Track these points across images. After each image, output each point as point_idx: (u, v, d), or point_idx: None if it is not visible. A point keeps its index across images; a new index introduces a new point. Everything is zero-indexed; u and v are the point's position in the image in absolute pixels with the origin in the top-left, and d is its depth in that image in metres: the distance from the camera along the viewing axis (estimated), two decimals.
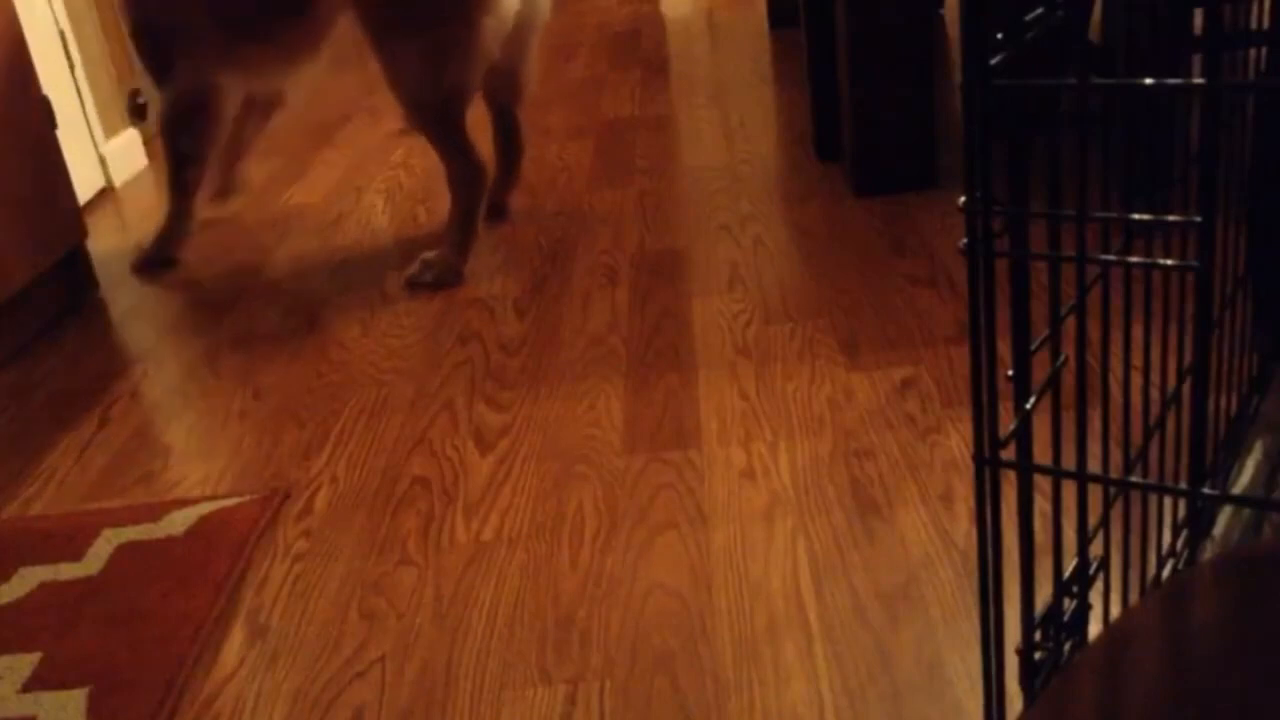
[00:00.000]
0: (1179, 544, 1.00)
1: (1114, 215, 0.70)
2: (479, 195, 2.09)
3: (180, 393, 1.83)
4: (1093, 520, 0.85)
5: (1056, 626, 0.81)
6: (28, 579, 1.39)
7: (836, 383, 1.59)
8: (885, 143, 2.19)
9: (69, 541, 1.45)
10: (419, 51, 2.01)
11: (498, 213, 2.36)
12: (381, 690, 1.16)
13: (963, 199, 0.69)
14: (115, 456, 1.67)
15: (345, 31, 2.28)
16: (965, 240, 0.70)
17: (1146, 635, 0.50)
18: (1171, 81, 0.68)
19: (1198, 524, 1.01)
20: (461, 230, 2.09)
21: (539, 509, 1.41)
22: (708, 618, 1.20)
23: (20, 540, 1.47)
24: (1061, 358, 0.74)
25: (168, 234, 2.36)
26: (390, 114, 3.28)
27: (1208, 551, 1.00)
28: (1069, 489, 1.13)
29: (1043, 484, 1.26)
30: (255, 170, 2.94)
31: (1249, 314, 1.15)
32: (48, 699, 1.19)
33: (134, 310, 2.19)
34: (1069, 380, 1.45)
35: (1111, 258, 0.73)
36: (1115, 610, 0.95)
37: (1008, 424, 0.72)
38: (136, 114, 3.16)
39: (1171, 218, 0.69)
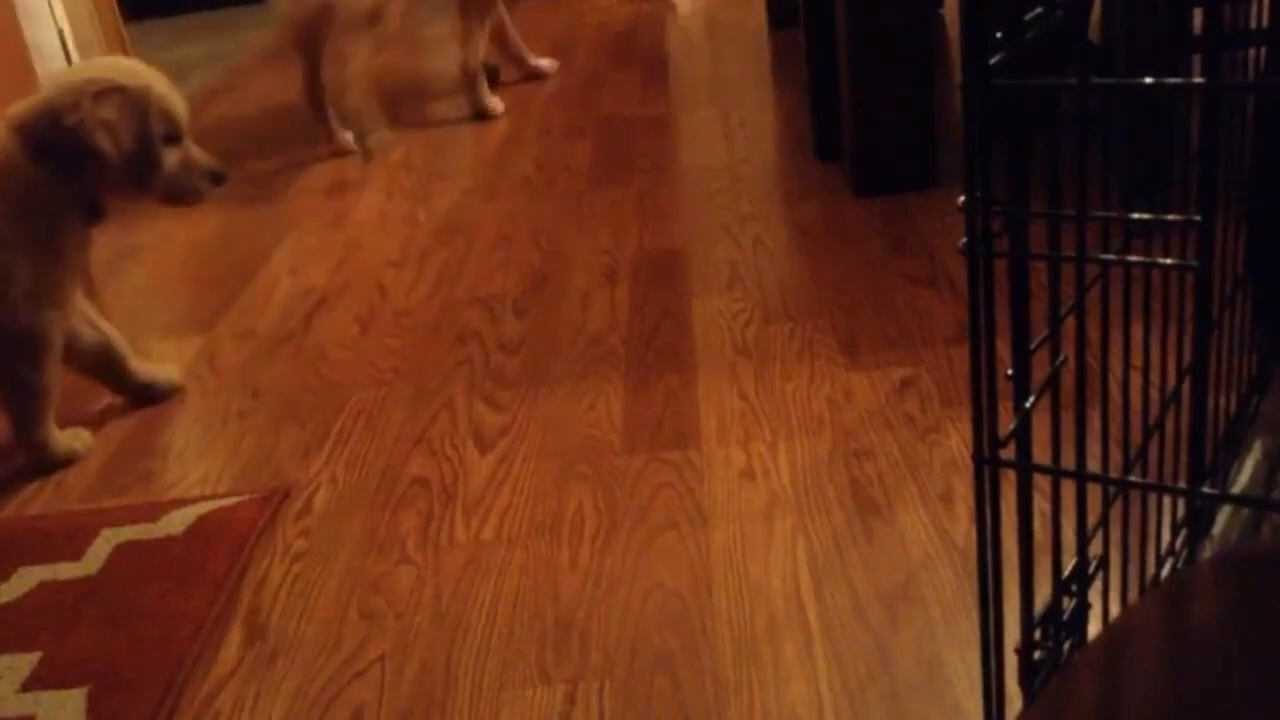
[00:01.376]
0: (1178, 543, 1.00)
1: (1114, 215, 0.70)
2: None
3: (179, 392, 1.83)
4: (1092, 519, 0.85)
5: (1056, 626, 0.81)
6: (26, 578, 1.39)
7: (836, 383, 1.59)
8: (885, 143, 2.19)
9: (68, 541, 1.45)
10: None
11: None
12: (381, 690, 1.16)
13: (963, 199, 0.69)
14: (114, 456, 1.67)
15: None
16: (965, 240, 0.70)
17: (1146, 634, 0.50)
18: (1171, 81, 0.68)
19: (1197, 523, 1.01)
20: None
21: (539, 509, 1.41)
22: (708, 618, 1.20)
23: (19, 540, 1.47)
24: (1061, 357, 0.74)
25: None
26: (389, 115, 3.28)
27: (1207, 551, 1.01)
28: (1068, 488, 1.13)
29: (1042, 483, 1.26)
30: (256, 168, 2.94)
31: (1249, 314, 1.15)
32: (47, 698, 1.19)
33: (133, 310, 2.19)
34: (1068, 380, 1.45)
35: (1111, 257, 0.73)
36: (1115, 610, 0.95)
37: (1007, 424, 0.72)
38: None
39: (1171, 217, 0.69)
